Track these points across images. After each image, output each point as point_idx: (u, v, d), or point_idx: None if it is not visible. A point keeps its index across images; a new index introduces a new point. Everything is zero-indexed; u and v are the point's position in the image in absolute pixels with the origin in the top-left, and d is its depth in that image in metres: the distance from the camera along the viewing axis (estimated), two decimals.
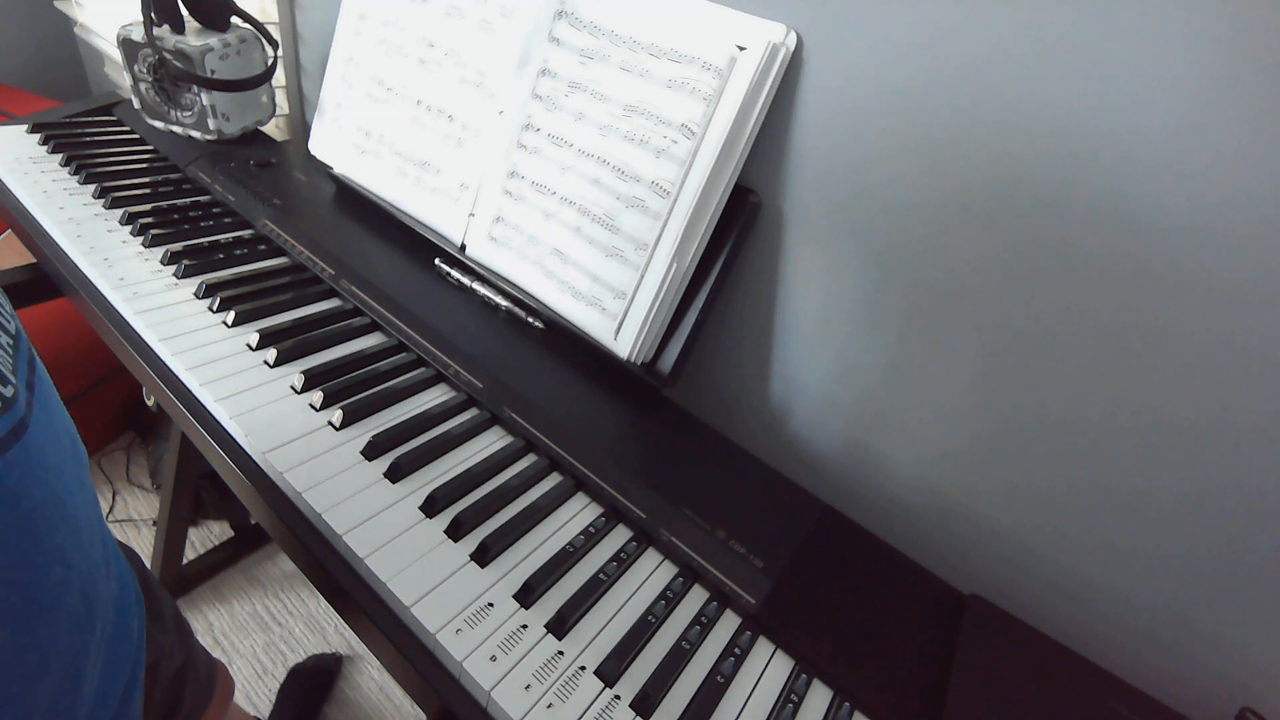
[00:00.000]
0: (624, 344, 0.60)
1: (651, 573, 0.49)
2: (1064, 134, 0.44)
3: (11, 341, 0.30)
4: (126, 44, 0.80)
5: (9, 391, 0.28)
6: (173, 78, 0.80)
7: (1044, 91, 0.44)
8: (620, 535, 0.51)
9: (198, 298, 0.62)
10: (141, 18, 0.76)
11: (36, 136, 0.82)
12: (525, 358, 0.63)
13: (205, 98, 0.82)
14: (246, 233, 0.74)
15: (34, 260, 0.72)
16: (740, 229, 0.59)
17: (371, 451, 0.51)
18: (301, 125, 1.06)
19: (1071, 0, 0.42)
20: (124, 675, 0.37)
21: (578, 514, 0.52)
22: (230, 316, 0.60)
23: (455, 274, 0.70)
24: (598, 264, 0.61)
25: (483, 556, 0.46)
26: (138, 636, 0.40)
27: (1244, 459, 0.44)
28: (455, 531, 0.47)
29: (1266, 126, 0.39)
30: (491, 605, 0.43)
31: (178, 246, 0.67)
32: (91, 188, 0.74)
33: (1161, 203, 0.42)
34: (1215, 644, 0.49)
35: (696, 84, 0.54)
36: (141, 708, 0.40)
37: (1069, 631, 0.51)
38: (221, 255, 0.69)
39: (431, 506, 0.48)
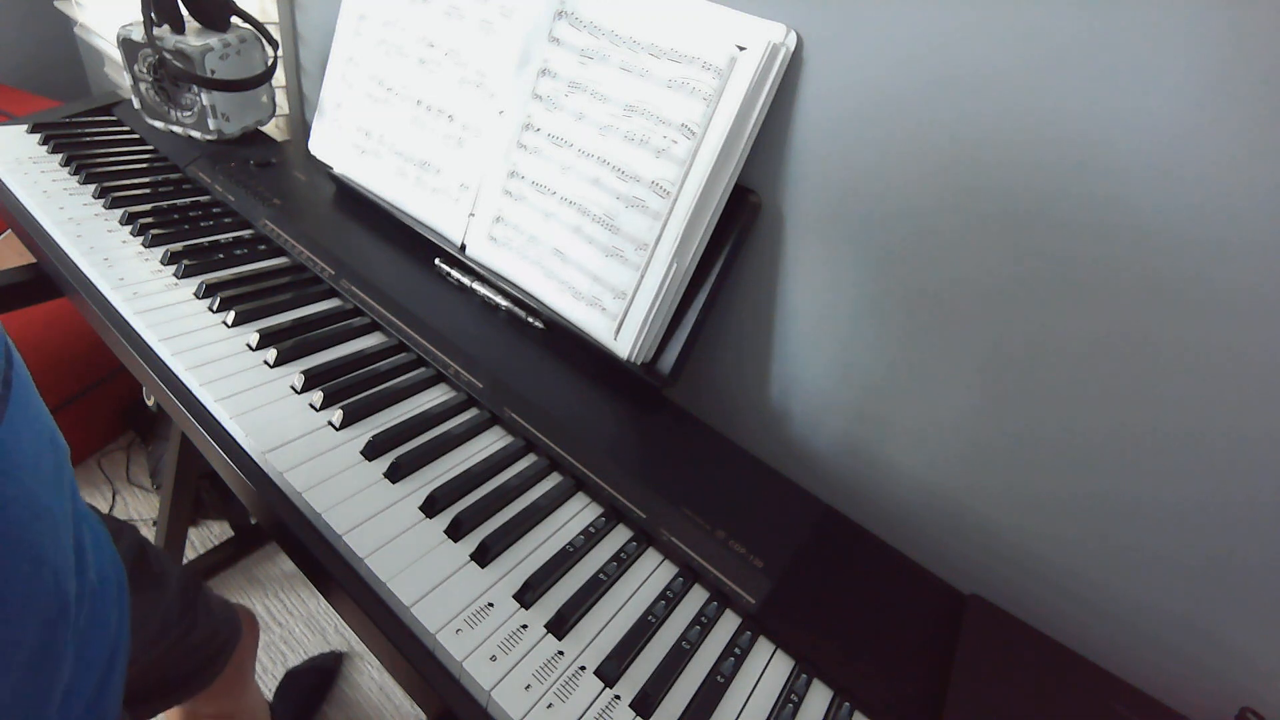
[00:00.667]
0: (624, 344, 0.60)
1: (651, 573, 0.49)
2: (1066, 141, 0.44)
3: None
4: (126, 44, 0.80)
5: None
6: (173, 78, 0.80)
7: (1048, 96, 0.44)
8: (620, 535, 0.51)
9: (198, 298, 0.62)
10: (141, 18, 0.76)
11: (36, 136, 0.82)
12: (525, 358, 0.63)
13: (205, 98, 0.82)
14: (246, 233, 0.74)
15: (34, 260, 0.72)
16: (740, 229, 0.59)
17: (371, 451, 0.51)
18: (301, 125, 1.06)
19: (1074, 5, 0.42)
20: (99, 667, 0.37)
21: (578, 514, 0.52)
22: (230, 316, 0.60)
23: (455, 274, 0.70)
24: (598, 264, 0.61)
25: (483, 556, 0.46)
26: (116, 628, 0.40)
27: (1243, 465, 0.44)
28: (455, 531, 0.47)
29: (1267, 134, 0.38)
30: (491, 605, 0.43)
31: (178, 246, 0.67)
32: (91, 188, 0.74)
33: (1163, 210, 0.42)
34: (1215, 644, 0.49)
35: (696, 84, 0.54)
36: (120, 698, 0.39)
37: (1069, 631, 0.51)
38: (221, 255, 0.69)
39: (431, 506, 0.48)
